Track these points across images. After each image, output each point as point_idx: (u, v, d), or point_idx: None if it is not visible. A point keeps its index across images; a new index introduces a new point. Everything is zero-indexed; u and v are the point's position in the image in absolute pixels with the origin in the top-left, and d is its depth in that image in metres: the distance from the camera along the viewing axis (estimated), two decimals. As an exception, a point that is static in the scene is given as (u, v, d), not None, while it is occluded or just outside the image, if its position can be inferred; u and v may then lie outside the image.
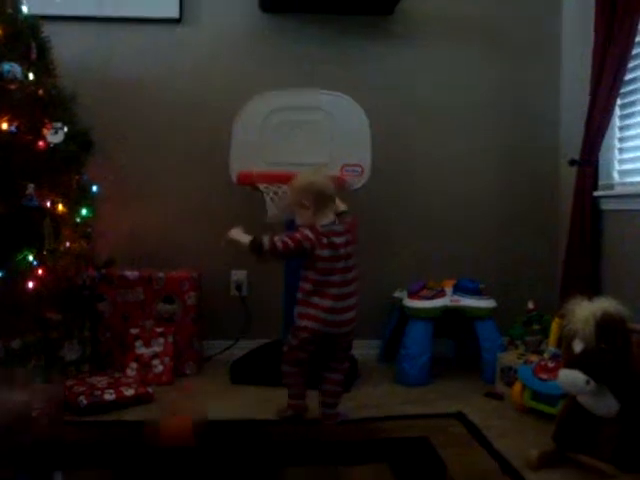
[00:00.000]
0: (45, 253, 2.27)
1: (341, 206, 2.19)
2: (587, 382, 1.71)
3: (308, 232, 2.07)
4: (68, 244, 2.39)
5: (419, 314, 2.65)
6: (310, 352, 2.16)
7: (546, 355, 2.31)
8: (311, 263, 2.09)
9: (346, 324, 2.14)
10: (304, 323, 2.11)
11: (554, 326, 2.31)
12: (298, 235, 2.07)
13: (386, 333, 2.94)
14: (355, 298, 2.16)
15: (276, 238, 2.06)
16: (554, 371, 2.16)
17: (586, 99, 2.65)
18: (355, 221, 2.19)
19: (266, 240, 2.07)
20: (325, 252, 2.07)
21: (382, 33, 3.01)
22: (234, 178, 2.60)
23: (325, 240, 2.06)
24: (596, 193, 2.66)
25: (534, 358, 2.38)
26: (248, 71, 2.96)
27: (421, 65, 3.05)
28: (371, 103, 2.70)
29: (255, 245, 2.08)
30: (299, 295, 2.14)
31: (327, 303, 2.08)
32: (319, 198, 2.08)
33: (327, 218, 2.10)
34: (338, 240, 2.08)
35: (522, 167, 3.11)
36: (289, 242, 2.06)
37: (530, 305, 2.66)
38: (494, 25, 3.07)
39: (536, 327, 2.59)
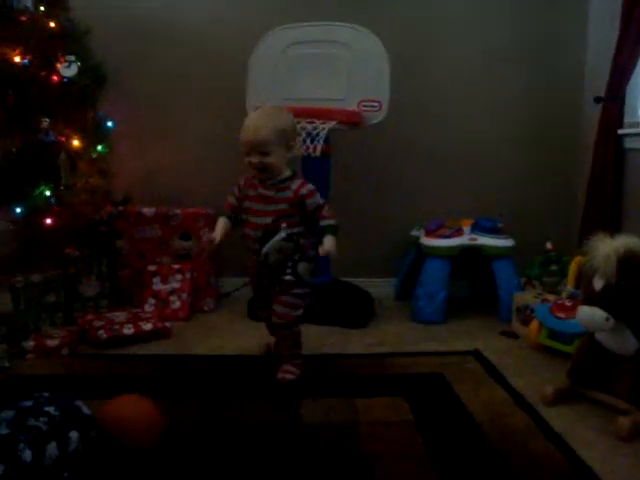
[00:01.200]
0: (62, 189, 2.27)
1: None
2: (607, 319, 1.70)
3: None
4: (84, 180, 2.39)
5: (436, 252, 2.64)
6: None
7: (564, 294, 2.30)
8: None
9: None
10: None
11: (572, 266, 2.29)
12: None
13: (402, 271, 2.94)
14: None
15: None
16: (571, 310, 2.16)
17: (614, 34, 2.55)
18: None
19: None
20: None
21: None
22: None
23: None
24: (621, 131, 2.59)
25: (551, 297, 2.38)
26: (264, 5, 2.86)
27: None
28: (390, 36, 2.61)
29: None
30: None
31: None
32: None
33: None
34: None
35: (544, 104, 3.02)
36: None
37: (548, 245, 2.64)
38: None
39: (554, 267, 2.58)
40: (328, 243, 1.89)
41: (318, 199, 1.95)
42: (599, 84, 2.69)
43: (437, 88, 2.98)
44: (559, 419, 1.74)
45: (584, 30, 2.98)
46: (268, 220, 1.94)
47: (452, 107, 3.00)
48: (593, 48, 2.95)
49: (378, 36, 2.49)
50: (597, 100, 2.64)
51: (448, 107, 3.00)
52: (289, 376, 1.98)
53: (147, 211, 2.74)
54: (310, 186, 1.95)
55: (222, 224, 2.07)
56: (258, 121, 1.89)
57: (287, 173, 1.96)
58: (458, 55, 2.97)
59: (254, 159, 1.90)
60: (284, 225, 1.93)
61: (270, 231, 1.94)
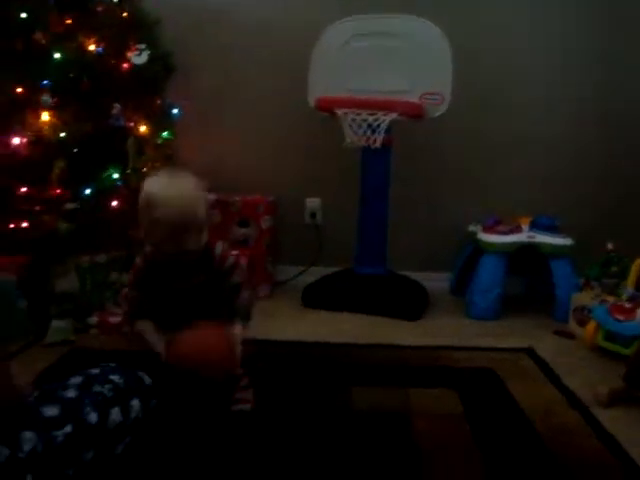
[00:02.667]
0: (129, 172, 2.35)
1: None
2: (667, 322, 1.67)
3: None
4: (150, 165, 2.47)
5: (493, 248, 2.61)
6: None
7: (624, 296, 2.25)
8: None
9: None
10: None
11: (634, 267, 2.24)
12: None
13: (458, 266, 2.93)
14: None
15: None
16: (631, 312, 2.12)
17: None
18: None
19: None
20: None
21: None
22: (312, 103, 2.59)
23: None
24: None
25: (610, 299, 2.33)
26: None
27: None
28: (455, 29, 2.58)
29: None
30: None
31: None
32: None
33: None
34: None
35: (615, 102, 2.93)
36: None
37: (609, 246, 2.57)
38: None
39: (614, 269, 2.51)
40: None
41: None
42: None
43: (502, 80, 2.93)
44: (612, 421, 1.71)
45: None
46: None
47: (516, 101, 2.94)
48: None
49: (441, 28, 2.47)
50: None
51: (512, 100, 2.94)
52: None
53: (208, 197, 2.80)
54: None
55: None
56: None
57: None
58: (525, 47, 2.91)
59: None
60: None
61: None
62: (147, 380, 1.27)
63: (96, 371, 1.21)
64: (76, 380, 1.17)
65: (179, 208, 1.47)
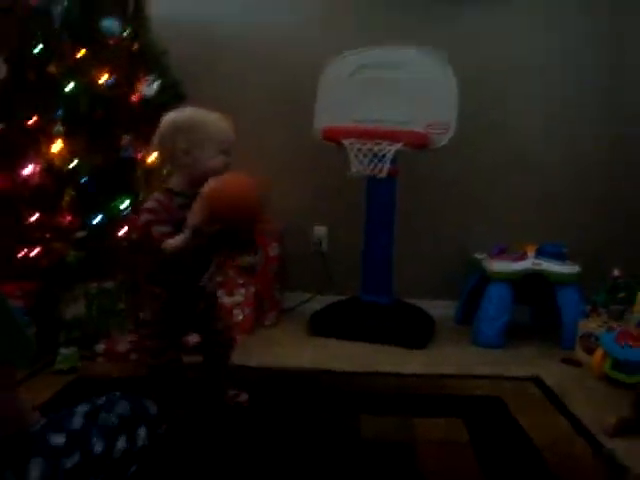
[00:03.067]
0: (137, 202, 2.38)
1: None
2: (674, 350, 1.66)
3: None
4: (158, 194, 2.51)
5: (500, 276, 2.62)
6: None
7: (631, 323, 2.25)
8: None
9: None
10: None
11: (641, 294, 2.25)
12: None
13: (464, 294, 2.93)
14: None
15: None
16: (639, 339, 2.11)
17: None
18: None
19: None
20: None
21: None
22: (318, 133, 2.63)
23: None
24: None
25: (617, 325, 2.32)
26: (338, 27, 2.93)
27: (514, 23, 2.92)
28: (460, 60, 2.63)
29: None
30: None
31: None
32: None
33: None
34: None
35: (617, 131, 2.95)
36: None
37: (616, 272, 2.58)
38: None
39: (621, 295, 2.51)
40: None
41: None
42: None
43: (504, 111, 2.97)
44: (620, 451, 1.69)
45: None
46: None
47: (520, 130, 2.98)
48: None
49: (446, 59, 2.52)
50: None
51: (516, 130, 2.98)
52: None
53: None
54: None
55: None
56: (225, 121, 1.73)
57: None
58: (530, 77, 2.95)
59: (227, 159, 1.71)
60: None
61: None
62: (153, 408, 1.28)
63: (102, 400, 1.22)
64: (83, 408, 1.17)
65: (228, 126, 1.73)
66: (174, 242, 1.56)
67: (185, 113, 1.69)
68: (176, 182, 1.68)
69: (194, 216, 1.55)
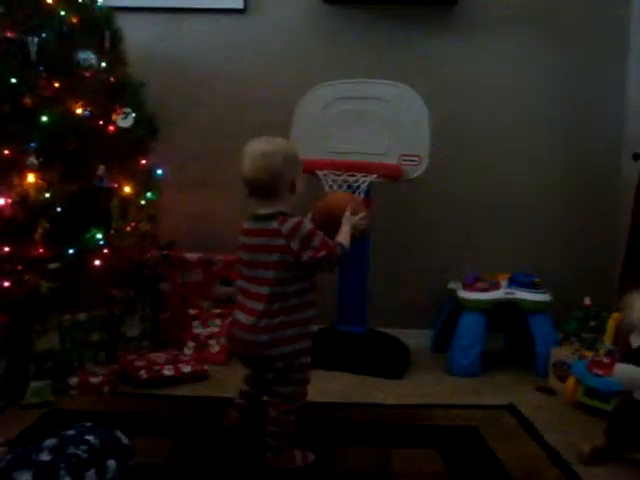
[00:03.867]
0: (112, 233, 2.38)
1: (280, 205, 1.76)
2: (644, 377, 1.69)
3: None
4: (133, 225, 2.51)
5: (473, 305, 2.65)
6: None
7: (601, 351, 2.28)
8: None
9: (252, 346, 1.73)
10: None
11: (611, 322, 2.28)
12: None
13: (438, 323, 2.95)
14: (267, 320, 1.69)
15: None
16: (609, 367, 2.13)
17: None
18: (296, 225, 1.71)
19: None
20: (238, 251, 1.83)
21: (445, 24, 2.99)
22: (293, 165, 2.65)
23: (240, 238, 1.83)
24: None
25: (589, 354, 2.35)
26: (309, 61, 3.00)
27: (483, 57, 3.01)
28: (432, 94, 2.70)
29: None
30: None
31: (235, 313, 1.80)
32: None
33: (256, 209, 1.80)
34: (248, 242, 1.80)
35: (584, 160, 3.03)
36: None
37: (587, 301, 2.62)
38: (559, 17, 2.99)
39: (592, 323, 2.55)
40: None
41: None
42: (638, 141, 2.69)
43: (475, 144, 3.03)
44: (595, 479, 1.71)
45: (623, 88, 3.01)
46: None
47: (490, 163, 3.04)
48: (631, 106, 2.97)
49: (422, 93, 2.58)
50: (635, 157, 2.66)
51: (486, 163, 3.04)
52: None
53: (190, 256, 2.84)
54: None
55: None
56: None
57: None
58: (495, 112, 3.03)
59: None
60: None
61: None
62: (124, 440, 1.26)
63: (71, 432, 1.20)
64: (50, 442, 1.16)
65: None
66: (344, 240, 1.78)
67: (284, 145, 1.82)
68: (287, 205, 1.78)
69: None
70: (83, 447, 1.17)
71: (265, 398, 1.83)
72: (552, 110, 3.03)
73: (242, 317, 1.73)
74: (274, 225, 1.70)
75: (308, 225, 1.73)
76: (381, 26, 2.99)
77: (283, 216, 1.71)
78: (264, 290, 1.69)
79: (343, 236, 1.78)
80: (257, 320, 1.69)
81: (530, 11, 2.99)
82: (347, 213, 1.83)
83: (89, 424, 1.24)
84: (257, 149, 1.78)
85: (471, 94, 3.02)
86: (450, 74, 3.01)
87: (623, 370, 1.74)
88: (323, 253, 1.68)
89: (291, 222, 1.69)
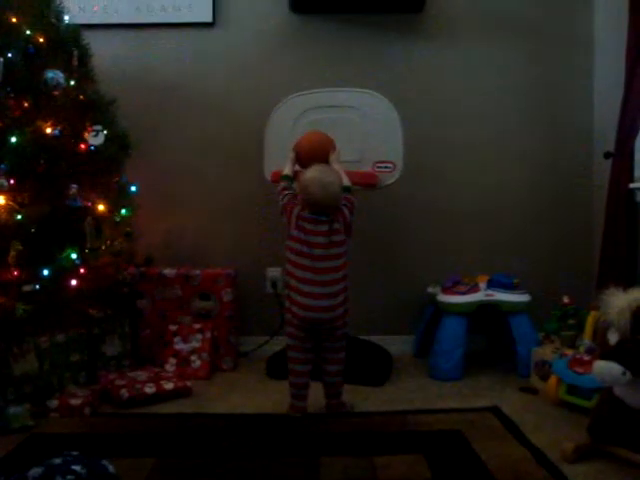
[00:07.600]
0: (87, 251, 2.35)
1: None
2: (623, 373, 1.70)
3: (291, 207, 2.24)
4: (109, 243, 2.48)
5: (453, 309, 2.66)
6: (305, 343, 2.22)
7: (581, 348, 2.30)
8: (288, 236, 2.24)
9: (325, 310, 2.15)
10: (287, 305, 2.25)
11: (590, 320, 2.30)
12: (288, 205, 2.25)
13: (420, 328, 2.96)
14: (336, 287, 2.17)
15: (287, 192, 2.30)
16: (589, 364, 2.15)
17: (620, 91, 2.62)
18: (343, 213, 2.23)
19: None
20: (294, 232, 2.20)
21: (412, 31, 3.02)
22: (268, 177, 2.65)
23: (297, 222, 2.20)
24: (632, 185, 2.63)
25: (569, 352, 2.37)
26: (280, 72, 3.01)
27: (451, 63, 3.04)
28: (402, 100, 2.72)
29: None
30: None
31: (299, 286, 2.16)
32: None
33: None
34: (309, 227, 2.18)
35: (556, 161, 3.08)
36: (282, 198, 2.29)
37: (565, 299, 2.65)
38: (525, 21, 3.04)
39: (571, 322, 2.57)
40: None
41: None
42: (609, 139, 2.73)
43: (450, 149, 3.06)
44: (580, 477, 1.72)
45: (591, 88, 3.06)
46: None
47: (465, 167, 3.07)
48: (600, 105, 3.02)
49: (393, 100, 2.60)
50: (606, 155, 2.70)
51: (462, 167, 3.07)
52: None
53: (168, 272, 2.81)
54: None
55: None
56: None
57: None
58: (464, 117, 3.06)
59: None
60: None
61: None
62: (111, 469, 1.24)
63: (58, 461, 1.18)
64: (36, 472, 1.13)
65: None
66: None
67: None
68: None
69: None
70: (70, 477, 1.15)
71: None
72: (522, 113, 3.07)
73: (314, 287, 2.14)
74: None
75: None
76: (350, 34, 3.02)
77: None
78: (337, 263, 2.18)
79: (345, 178, 2.27)
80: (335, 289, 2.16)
81: (496, 15, 3.04)
82: (333, 156, 2.32)
83: (75, 453, 1.21)
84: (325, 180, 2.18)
85: (439, 99, 3.05)
86: (418, 80, 3.04)
87: (602, 367, 1.75)
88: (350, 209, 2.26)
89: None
